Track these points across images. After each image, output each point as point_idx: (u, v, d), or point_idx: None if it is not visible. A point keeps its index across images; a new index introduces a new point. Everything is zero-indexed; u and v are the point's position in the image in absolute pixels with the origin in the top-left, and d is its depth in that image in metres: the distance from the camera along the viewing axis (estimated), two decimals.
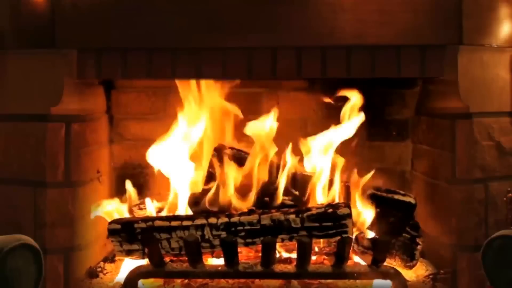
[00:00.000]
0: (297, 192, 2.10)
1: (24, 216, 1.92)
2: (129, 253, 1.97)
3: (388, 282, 1.79)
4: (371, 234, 2.05)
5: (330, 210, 1.91)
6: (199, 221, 1.93)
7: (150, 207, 2.15)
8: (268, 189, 2.10)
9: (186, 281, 1.88)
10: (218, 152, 2.14)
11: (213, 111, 2.24)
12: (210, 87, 2.21)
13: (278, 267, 1.79)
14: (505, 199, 1.89)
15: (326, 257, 2.02)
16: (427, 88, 2.20)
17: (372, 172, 2.10)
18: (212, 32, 1.88)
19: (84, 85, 2.03)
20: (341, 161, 2.13)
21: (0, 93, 1.97)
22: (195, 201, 2.10)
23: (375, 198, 2.05)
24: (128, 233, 1.94)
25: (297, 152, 2.17)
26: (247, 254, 2.02)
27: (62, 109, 1.92)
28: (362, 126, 2.19)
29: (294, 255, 1.95)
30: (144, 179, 2.35)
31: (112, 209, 2.09)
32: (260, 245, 1.81)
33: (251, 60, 1.92)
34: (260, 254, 1.81)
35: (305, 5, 1.86)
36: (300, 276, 1.81)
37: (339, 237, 1.82)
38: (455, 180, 1.94)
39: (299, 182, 2.13)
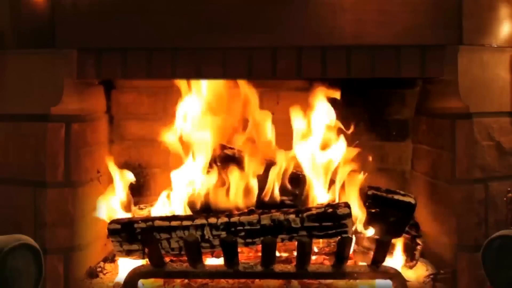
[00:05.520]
0: (297, 192, 2.11)
1: (24, 216, 1.92)
2: (129, 253, 1.97)
3: (388, 282, 1.80)
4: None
5: (330, 210, 1.91)
6: (199, 221, 1.93)
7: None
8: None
9: (186, 281, 1.88)
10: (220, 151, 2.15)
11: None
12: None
13: (278, 267, 1.79)
14: (505, 199, 1.89)
15: (326, 257, 2.02)
16: (427, 88, 2.19)
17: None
18: (212, 32, 1.88)
19: (84, 85, 2.03)
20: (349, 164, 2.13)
21: (0, 93, 1.97)
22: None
23: (375, 198, 2.06)
24: (128, 233, 1.94)
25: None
26: (247, 254, 2.02)
27: (62, 109, 1.92)
28: (362, 126, 2.19)
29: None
30: (144, 179, 2.36)
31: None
32: (260, 245, 1.82)
33: (251, 60, 1.92)
34: (260, 254, 1.81)
35: (305, 5, 1.86)
36: (300, 276, 1.81)
37: (339, 237, 1.82)
38: (455, 180, 1.94)
39: (299, 182, 2.13)
